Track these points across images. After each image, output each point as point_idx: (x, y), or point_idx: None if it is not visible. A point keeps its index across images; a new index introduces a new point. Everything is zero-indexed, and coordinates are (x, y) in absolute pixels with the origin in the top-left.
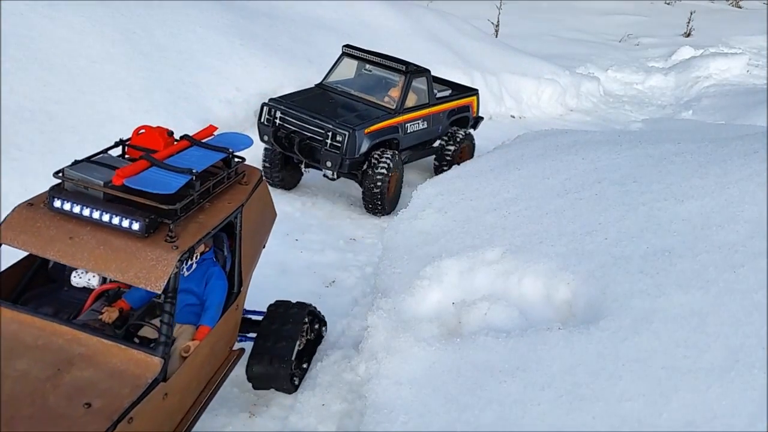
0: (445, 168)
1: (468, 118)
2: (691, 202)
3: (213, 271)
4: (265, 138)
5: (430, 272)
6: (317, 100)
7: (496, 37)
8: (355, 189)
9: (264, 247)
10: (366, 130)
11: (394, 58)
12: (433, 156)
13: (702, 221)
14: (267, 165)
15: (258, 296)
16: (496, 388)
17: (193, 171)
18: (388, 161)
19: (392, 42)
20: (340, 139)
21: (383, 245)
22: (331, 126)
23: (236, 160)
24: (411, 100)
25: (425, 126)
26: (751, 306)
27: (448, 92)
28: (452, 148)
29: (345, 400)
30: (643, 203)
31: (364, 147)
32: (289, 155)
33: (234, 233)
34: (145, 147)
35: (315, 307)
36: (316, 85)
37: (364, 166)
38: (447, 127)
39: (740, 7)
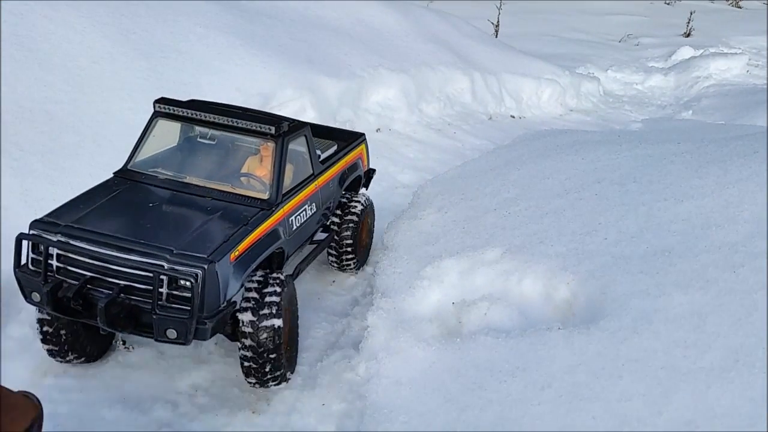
0: (347, 263)
1: (361, 178)
2: (691, 202)
3: None
4: (35, 297)
5: (430, 272)
6: (126, 207)
7: (496, 37)
8: None
9: None
10: (232, 256)
11: (251, 113)
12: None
13: (702, 221)
14: (49, 345)
15: None
16: (496, 388)
17: None
18: (277, 296)
19: (392, 42)
20: (188, 284)
21: (383, 245)
22: (164, 263)
23: None
24: (288, 175)
25: (314, 210)
26: (751, 306)
27: (333, 148)
28: (351, 228)
29: (345, 400)
30: (643, 203)
31: (233, 287)
32: (87, 324)
33: None
34: None
35: None
36: (117, 174)
37: (237, 310)
38: (339, 200)
39: (740, 7)
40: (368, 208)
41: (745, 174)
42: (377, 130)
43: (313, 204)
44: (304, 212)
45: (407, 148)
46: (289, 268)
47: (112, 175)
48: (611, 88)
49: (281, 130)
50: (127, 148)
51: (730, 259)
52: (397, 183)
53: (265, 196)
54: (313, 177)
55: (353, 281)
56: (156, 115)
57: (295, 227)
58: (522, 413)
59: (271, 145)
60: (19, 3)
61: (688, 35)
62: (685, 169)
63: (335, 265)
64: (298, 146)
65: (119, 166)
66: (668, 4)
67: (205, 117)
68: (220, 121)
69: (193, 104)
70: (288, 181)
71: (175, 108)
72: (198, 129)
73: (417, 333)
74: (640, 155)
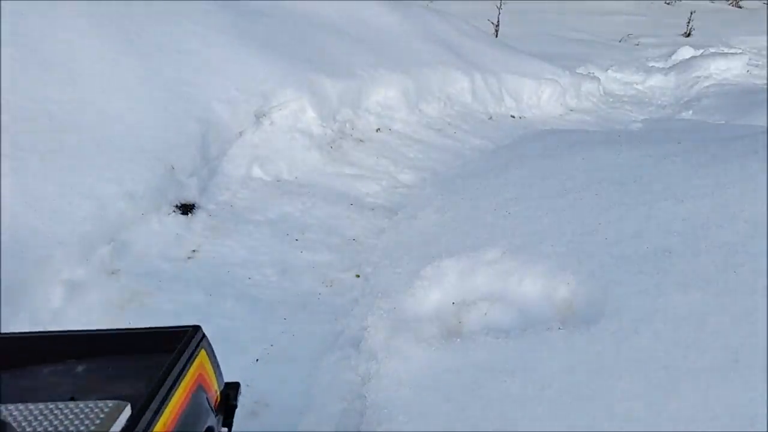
0: None
1: (212, 429)
2: (692, 202)
3: None
4: None
5: (430, 272)
6: None
7: (496, 37)
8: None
9: None
10: None
11: None
12: None
13: (702, 221)
14: None
15: (257, 296)
16: (496, 388)
17: None
18: None
19: (392, 42)
20: None
21: (383, 245)
22: None
23: None
24: None
25: None
26: (752, 306)
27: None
28: None
29: (345, 400)
30: (643, 203)
31: None
32: None
33: None
34: None
35: None
36: None
37: None
38: None
39: (740, 7)
40: None
41: (745, 174)
42: (377, 130)
43: None
44: None
45: (407, 148)
46: None
47: None
48: (611, 87)
49: None
50: (127, 148)
51: (730, 259)
52: (397, 183)
53: None
54: None
55: (353, 281)
56: None
57: None
58: (522, 413)
59: None
60: (19, 3)
61: (688, 35)
62: (686, 169)
63: None
64: None
65: (118, 165)
66: (668, 3)
67: None
68: None
69: None
70: None
71: None
72: None
73: (417, 333)
74: (640, 155)
